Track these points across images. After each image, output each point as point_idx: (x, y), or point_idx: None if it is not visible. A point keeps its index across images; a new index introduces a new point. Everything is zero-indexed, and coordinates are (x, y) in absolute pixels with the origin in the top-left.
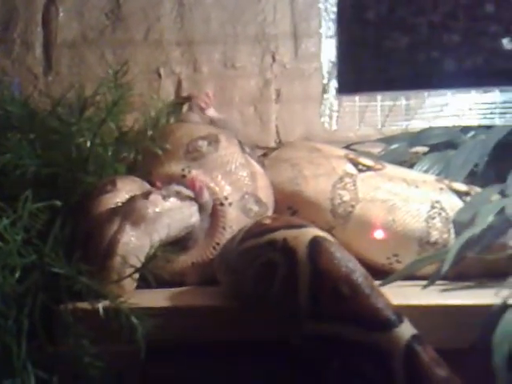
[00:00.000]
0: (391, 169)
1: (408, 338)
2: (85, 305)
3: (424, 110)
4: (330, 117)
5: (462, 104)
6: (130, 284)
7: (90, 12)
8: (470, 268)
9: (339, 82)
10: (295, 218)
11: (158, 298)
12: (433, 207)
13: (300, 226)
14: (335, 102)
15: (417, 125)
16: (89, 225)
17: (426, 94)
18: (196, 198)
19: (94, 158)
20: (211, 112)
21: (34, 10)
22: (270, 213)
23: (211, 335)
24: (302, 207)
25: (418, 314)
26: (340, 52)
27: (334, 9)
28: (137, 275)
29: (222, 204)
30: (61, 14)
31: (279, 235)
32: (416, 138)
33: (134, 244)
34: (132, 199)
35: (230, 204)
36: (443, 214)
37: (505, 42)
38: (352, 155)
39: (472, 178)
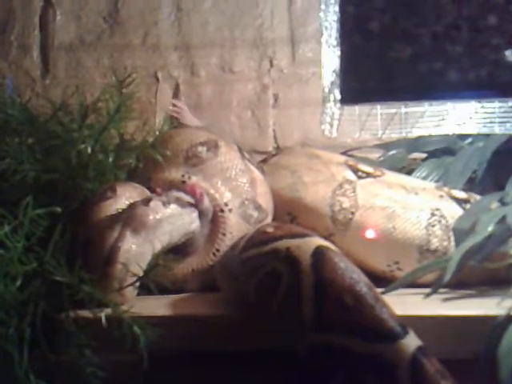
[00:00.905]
0: (391, 175)
1: (413, 349)
2: (87, 313)
3: (424, 119)
4: (331, 125)
5: (462, 113)
6: (131, 292)
7: (88, 15)
8: (471, 276)
9: (341, 92)
10: (298, 227)
11: (159, 306)
12: (433, 214)
13: (303, 236)
14: (337, 111)
15: (417, 133)
16: (89, 232)
17: (426, 103)
18: (196, 205)
19: (95, 164)
20: (188, 120)
21: (32, 12)
22: (269, 219)
23: (214, 344)
24: (302, 214)
25: (420, 324)
26: (342, 62)
27: (335, 18)
28: (138, 283)
29: (222, 210)
30: (58, 17)
31: (282, 244)
32: (414, 144)
33: (135, 251)
34: (132, 206)
35: (230, 210)
36: (443, 221)
37: (507, 53)
38: (351, 162)
39: (470, 184)
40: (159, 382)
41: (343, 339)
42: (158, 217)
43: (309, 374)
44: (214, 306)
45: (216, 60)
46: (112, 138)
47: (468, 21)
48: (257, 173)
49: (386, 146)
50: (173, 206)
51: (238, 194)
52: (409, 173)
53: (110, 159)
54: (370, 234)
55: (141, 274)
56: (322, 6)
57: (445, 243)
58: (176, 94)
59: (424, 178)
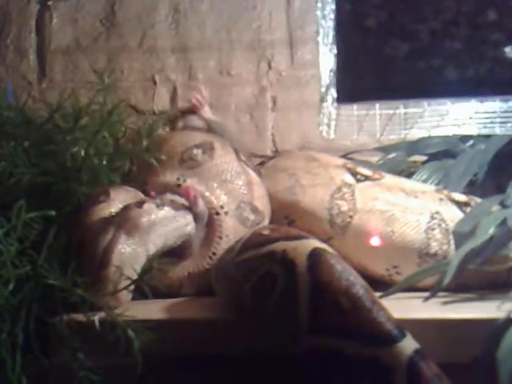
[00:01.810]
0: (390, 179)
1: (410, 352)
2: (80, 317)
3: (423, 119)
4: (329, 125)
5: (462, 113)
6: (125, 295)
7: (85, 18)
8: (470, 279)
9: (338, 91)
10: (294, 229)
11: (154, 310)
12: (432, 218)
13: (300, 238)
14: (333, 111)
15: (416, 134)
16: (82, 235)
17: (425, 102)
18: (191, 207)
19: (89, 167)
20: (206, 113)
21: (28, 16)
22: (266, 222)
23: (210, 348)
24: (300, 217)
25: (420, 327)
26: (339, 60)
27: (332, 16)
28: (132, 286)
29: (217, 213)
30: (55, 20)
31: (279, 246)
32: (414, 146)
33: (129, 253)
34: (126, 208)
35: (226, 213)
36: (443, 225)
37: (507, 50)
38: (350, 165)
39: (471, 187)
40: None
41: (339, 342)
42: (151, 219)
43: (305, 377)
44: (210, 310)
45: (214, 63)
46: (106, 141)
47: (467, 17)
48: (253, 175)
49: (385, 149)
50: (166, 209)
51: (234, 196)
52: (409, 176)
53: (104, 162)
54: (368, 237)
55: (135, 276)
56: (319, 4)
57: (444, 247)
58: (173, 98)
59: (424, 181)
